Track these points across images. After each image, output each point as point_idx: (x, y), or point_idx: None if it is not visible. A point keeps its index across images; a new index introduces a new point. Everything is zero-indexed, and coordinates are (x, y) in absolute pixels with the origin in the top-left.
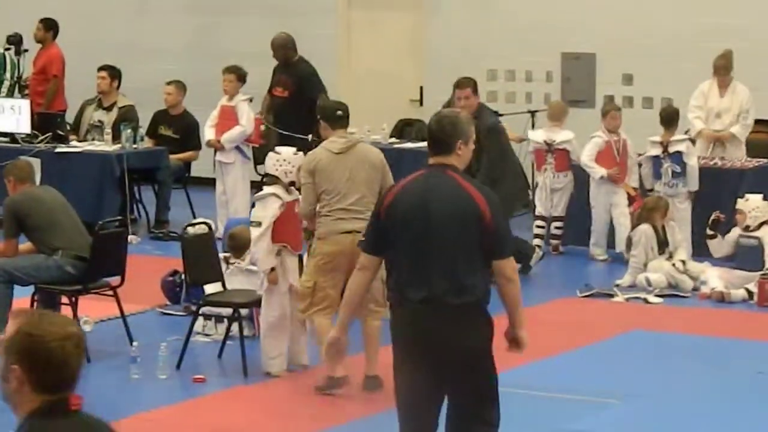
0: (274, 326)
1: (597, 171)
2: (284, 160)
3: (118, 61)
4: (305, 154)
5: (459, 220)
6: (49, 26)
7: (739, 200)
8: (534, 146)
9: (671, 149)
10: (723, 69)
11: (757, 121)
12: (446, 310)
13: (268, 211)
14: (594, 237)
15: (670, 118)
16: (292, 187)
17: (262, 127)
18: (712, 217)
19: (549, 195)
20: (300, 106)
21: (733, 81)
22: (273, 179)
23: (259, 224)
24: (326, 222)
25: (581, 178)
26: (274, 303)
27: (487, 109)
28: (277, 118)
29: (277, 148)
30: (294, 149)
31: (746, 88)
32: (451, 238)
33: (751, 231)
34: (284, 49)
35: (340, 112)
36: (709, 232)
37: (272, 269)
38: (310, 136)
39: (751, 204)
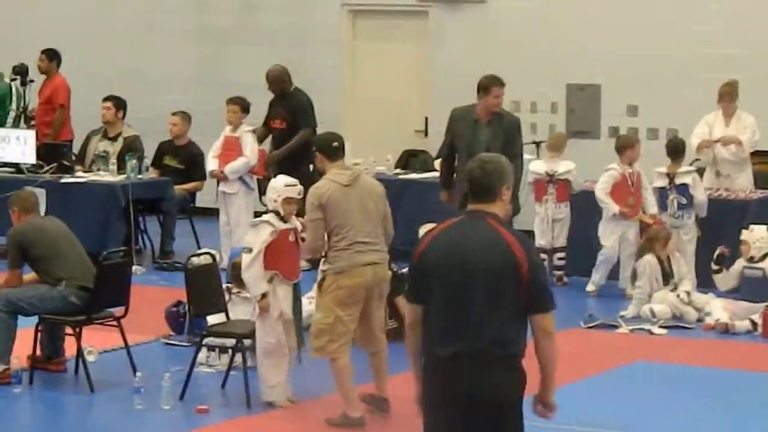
0: (270, 353)
1: (611, 207)
2: (273, 187)
3: (122, 92)
4: (304, 184)
5: (495, 271)
6: (52, 56)
7: (743, 231)
8: (534, 177)
9: (677, 181)
10: (728, 96)
11: (762, 153)
12: (477, 364)
13: (259, 237)
14: (612, 271)
15: (675, 149)
16: (294, 216)
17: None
18: (717, 252)
19: (550, 226)
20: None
21: (737, 110)
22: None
23: (250, 250)
24: (345, 255)
25: (578, 206)
26: (268, 329)
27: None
28: (291, 150)
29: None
30: (290, 179)
31: (751, 116)
32: (486, 290)
33: (756, 262)
34: (280, 81)
35: (336, 144)
36: (714, 266)
37: (264, 296)
38: (311, 167)
39: (755, 235)
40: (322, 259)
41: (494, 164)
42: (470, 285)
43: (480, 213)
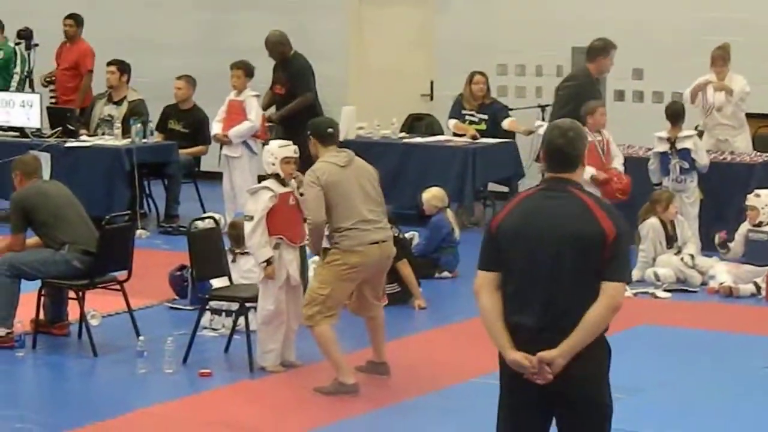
0: (270, 320)
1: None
2: (267, 151)
3: (127, 56)
4: (304, 150)
5: (581, 241)
6: (80, 22)
7: (749, 196)
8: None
9: (679, 145)
10: (720, 59)
11: (764, 116)
12: (560, 341)
13: (259, 204)
14: None
15: (676, 113)
16: (294, 179)
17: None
18: (718, 240)
19: None
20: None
21: (729, 72)
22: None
23: (251, 218)
24: (352, 234)
25: None
26: (270, 296)
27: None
28: (289, 114)
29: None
30: (282, 141)
31: (742, 78)
32: (568, 264)
33: (761, 226)
34: (280, 45)
35: (330, 130)
36: (721, 250)
37: (269, 263)
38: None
39: (763, 200)
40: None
41: (575, 131)
42: (553, 255)
43: (562, 182)
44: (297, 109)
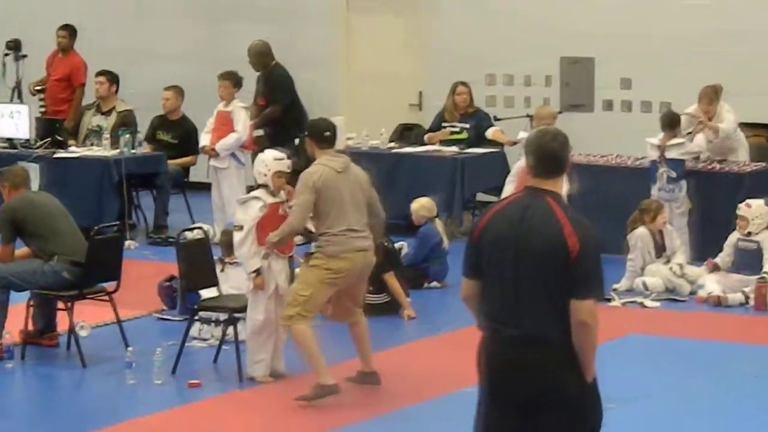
0: (259, 330)
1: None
2: (262, 161)
3: (116, 67)
4: (292, 158)
5: (545, 254)
6: (73, 33)
7: (740, 206)
8: None
9: (668, 154)
10: (707, 98)
11: (755, 125)
12: (539, 350)
13: (249, 214)
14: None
15: (669, 121)
16: (283, 190)
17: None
18: (707, 269)
19: None
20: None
21: (718, 109)
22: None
23: (241, 228)
24: (340, 240)
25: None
26: (260, 306)
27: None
28: (260, 125)
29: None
30: (278, 153)
31: (731, 111)
32: (541, 274)
33: (753, 236)
34: (262, 56)
35: (328, 134)
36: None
37: (258, 273)
38: (296, 140)
39: (754, 211)
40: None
41: (563, 136)
42: (524, 268)
43: (540, 191)
44: (263, 122)
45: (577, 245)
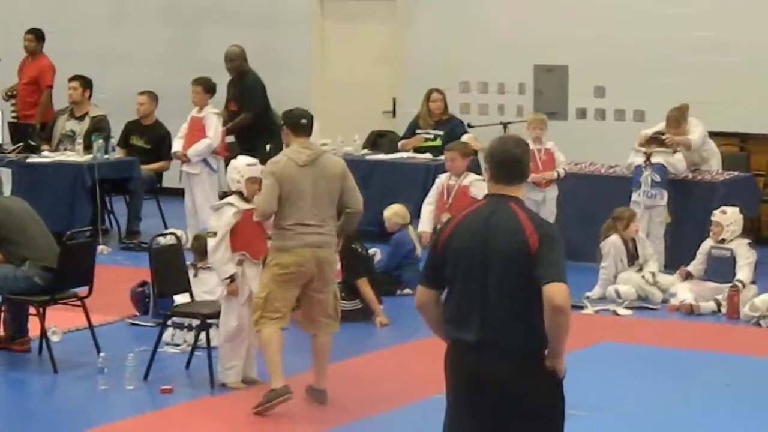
0: (233, 336)
1: None
2: (233, 167)
3: (90, 70)
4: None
5: (510, 259)
6: (40, 36)
7: (715, 213)
8: None
9: (654, 159)
10: (674, 121)
11: (727, 134)
12: (504, 357)
13: (222, 220)
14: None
15: (656, 141)
16: (256, 196)
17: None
18: (680, 277)
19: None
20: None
21: (686, 130)
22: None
23: (214, 234)
24: (288, 235)
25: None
26: (233, 312)
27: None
28: (231, 132)
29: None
30: (250, 159)
31: (698, 125)
32: (505, 279)
33: (726, 243)
34: (238, 60)
35: (304, 121)
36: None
37: (232, 280)
38: (268, 147)
39: (729, 218)
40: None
41: (524, 143)
42: (490, 274)
43: (504, 197)
44: (236, 128)
45: (537, 242)
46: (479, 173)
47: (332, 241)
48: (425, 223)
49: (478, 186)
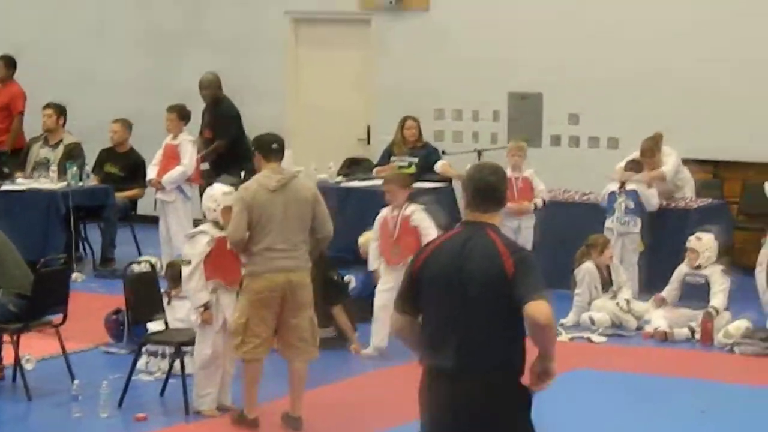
0: (207, 364)
1: None
2: (209, 196)
3: (64, 96)
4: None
5: (486, 285)
6: (11, 63)
7: (691, 239)
8: None
9: (628, 186)
10: (649, 151)
11: (701, 162)
12: (476, 383)
13: (196, 248)
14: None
15: (634, 165)
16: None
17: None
18: (654, 304)
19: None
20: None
21: (660, 160)
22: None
23: (189, 262)
24: (259, 260)
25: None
26: (208, 340)
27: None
28: (206, 159)
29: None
30: (226, 187)
31: (672, 153)
32: (481, 305)
33: (701, 269)
34: (212, 88)
35: (275, 145)
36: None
37: (206, 308)
38: (242, 174)
39: (704, 244)
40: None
41: (501, 171)
42: (467, 301)
43: (479, 224)
44: (211, 156)
45: (512, 266)
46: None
47: (305, 265)
48: (372, 261)
49: (419, 216)
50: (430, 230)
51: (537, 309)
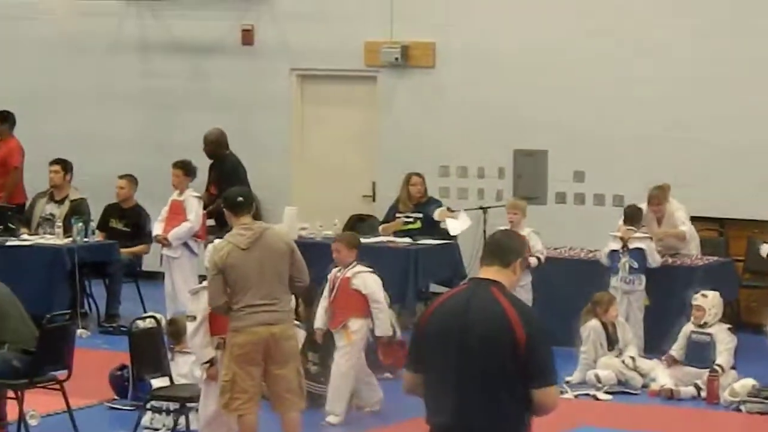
0: (212, 419)
1: None
2: (212, 251)
3: (69, 153)
4: None
5: (489, 344)
6: (5, 118)
7: (696, 296)
8: None
9: (631, 245)
10: (656, 199)
11: (706, 219)
12: None
13: (201, 304)
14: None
15: (633, 215)
16: None
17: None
18: (667, 363)
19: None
20: None
21: (667, 207)
22: None
23: (193, 318)
24: (240, 316)
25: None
26: (212, 396)
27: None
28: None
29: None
30: None
31: (682, 213)
32: (483, 364)
33: (705, 327)
34: (216, 144)
35: (241, 199)
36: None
37: (211, 364)
38: None
39: (710, 301)
40: None
41: (518, 234)
42: (464, 357)
43: (485, 281)
44: (216, 212)
45: (524, 336)
46: None
47: (287, 318)
48: (318, 321)
49: (362, 278)
50: (376, 295)
51: (548, 398)
